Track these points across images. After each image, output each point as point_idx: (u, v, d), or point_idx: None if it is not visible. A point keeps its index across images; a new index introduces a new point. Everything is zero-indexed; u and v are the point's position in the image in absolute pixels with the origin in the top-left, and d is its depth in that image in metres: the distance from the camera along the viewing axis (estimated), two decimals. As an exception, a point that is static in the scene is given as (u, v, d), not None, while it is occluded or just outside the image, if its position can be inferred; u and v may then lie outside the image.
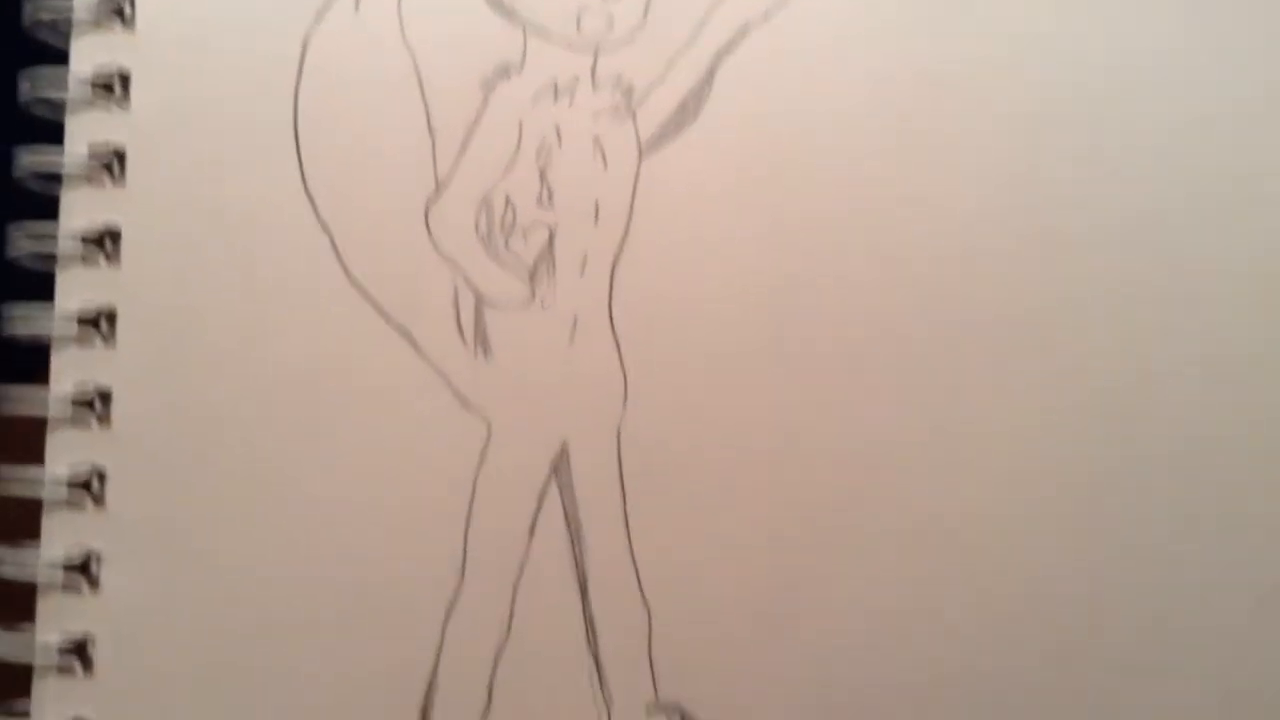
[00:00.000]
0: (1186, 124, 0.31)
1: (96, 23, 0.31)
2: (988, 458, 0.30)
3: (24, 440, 0.30)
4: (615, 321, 0.30)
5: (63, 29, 0.31)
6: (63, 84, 0.31)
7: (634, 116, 0.31)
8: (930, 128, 0.31)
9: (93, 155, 0.31)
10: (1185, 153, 0.31)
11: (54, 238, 0.30)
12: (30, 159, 0.31)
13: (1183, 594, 0.30)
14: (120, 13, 0.31)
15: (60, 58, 0.31)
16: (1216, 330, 0.30)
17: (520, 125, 0.31)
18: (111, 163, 0.31)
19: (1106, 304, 0.30)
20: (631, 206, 0.31)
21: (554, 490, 0.30)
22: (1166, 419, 0.30)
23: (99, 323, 0.30)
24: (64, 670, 0.29)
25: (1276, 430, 0.30)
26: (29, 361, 0.30)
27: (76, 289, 0.30)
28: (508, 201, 0.31)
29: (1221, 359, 0.30)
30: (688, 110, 0.31)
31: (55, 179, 0.31)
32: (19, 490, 0.30)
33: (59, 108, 0.31)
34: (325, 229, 0.30)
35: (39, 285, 0.30)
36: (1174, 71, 0.31)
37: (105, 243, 0.30)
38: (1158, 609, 0.30)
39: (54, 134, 0.31)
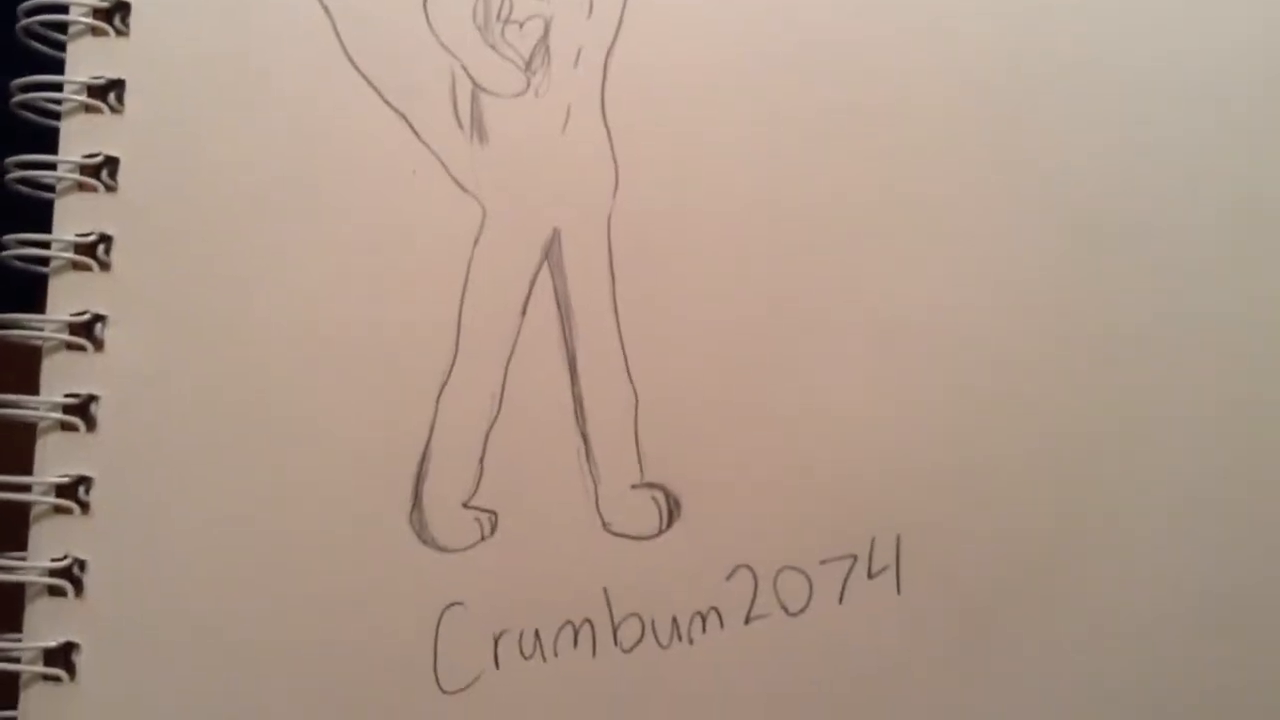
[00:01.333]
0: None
1: None
2: (965, 249, 0.31)
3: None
4: (607, 113, 0.31)
5: None
6: None
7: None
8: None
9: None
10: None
11: (65, 7, 0.31)
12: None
13: (1156, 374, 0.31)
14: None
15: None
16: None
17: (516, -83, 0.32)
18: (122, -58, 0.31)
19: (1082, 94, 0.32)
20: (625, 2, 0.32)
21: (546, 274, 0.31)
22: (1143, 208, 0.31)
23: (107, 94, 0.31)
24: (67, 428, 0.30)
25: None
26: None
27: (85, 61, 0.31)
28: (504, -8, 0.32)
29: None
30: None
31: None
32: (26, 250, 0.30)
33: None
34: (326, 11, 0.31)
35: (50, 63, 0.31)
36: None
37: (115, 18, 0.31)
38: (1131, 396, 0.31)
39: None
